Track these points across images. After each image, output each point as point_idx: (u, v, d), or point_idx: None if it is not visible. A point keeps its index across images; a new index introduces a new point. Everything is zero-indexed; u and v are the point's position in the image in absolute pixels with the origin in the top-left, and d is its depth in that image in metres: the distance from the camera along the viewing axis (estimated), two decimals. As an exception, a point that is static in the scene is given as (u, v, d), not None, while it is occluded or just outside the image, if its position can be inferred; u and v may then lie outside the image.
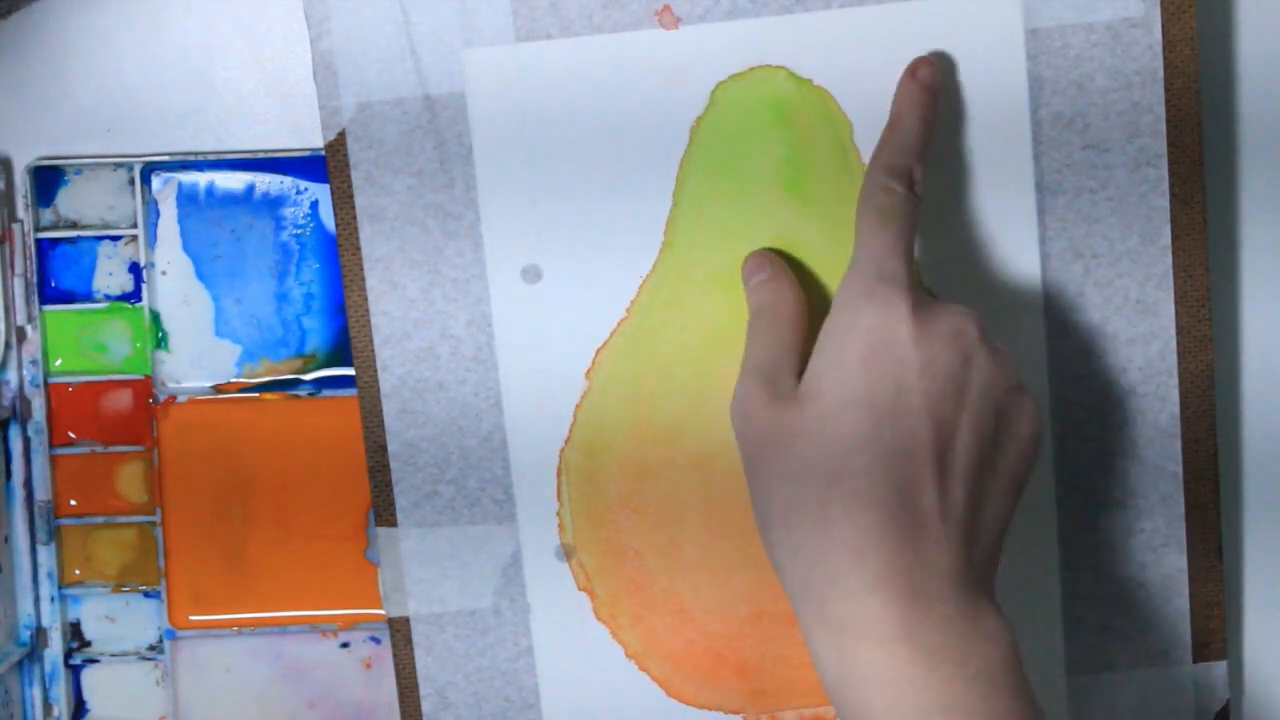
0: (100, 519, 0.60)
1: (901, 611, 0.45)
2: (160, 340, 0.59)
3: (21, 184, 0.58)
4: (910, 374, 0.47)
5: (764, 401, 0.49)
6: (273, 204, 0.58)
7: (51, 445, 0.59)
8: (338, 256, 0.56)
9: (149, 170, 0.58)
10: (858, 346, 0.48)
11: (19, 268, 0.58)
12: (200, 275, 0.58)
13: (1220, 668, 0.56)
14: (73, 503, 0.60)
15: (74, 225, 0.59)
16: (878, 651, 0.45)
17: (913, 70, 0.52)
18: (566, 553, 0.56)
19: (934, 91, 0.52)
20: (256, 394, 0.59)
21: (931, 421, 0.47)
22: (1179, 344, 0.55)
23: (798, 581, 0.47)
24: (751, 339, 0.52)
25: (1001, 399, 0.49)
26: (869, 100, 0.54)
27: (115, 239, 0.59)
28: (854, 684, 0.45)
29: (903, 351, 0.47)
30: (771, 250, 0.54)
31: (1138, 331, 0.55)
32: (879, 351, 0.47)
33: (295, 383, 0.59)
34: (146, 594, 0.60)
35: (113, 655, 0.60)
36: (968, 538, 0.47)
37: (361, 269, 0.55)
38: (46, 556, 0.59)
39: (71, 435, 0.59)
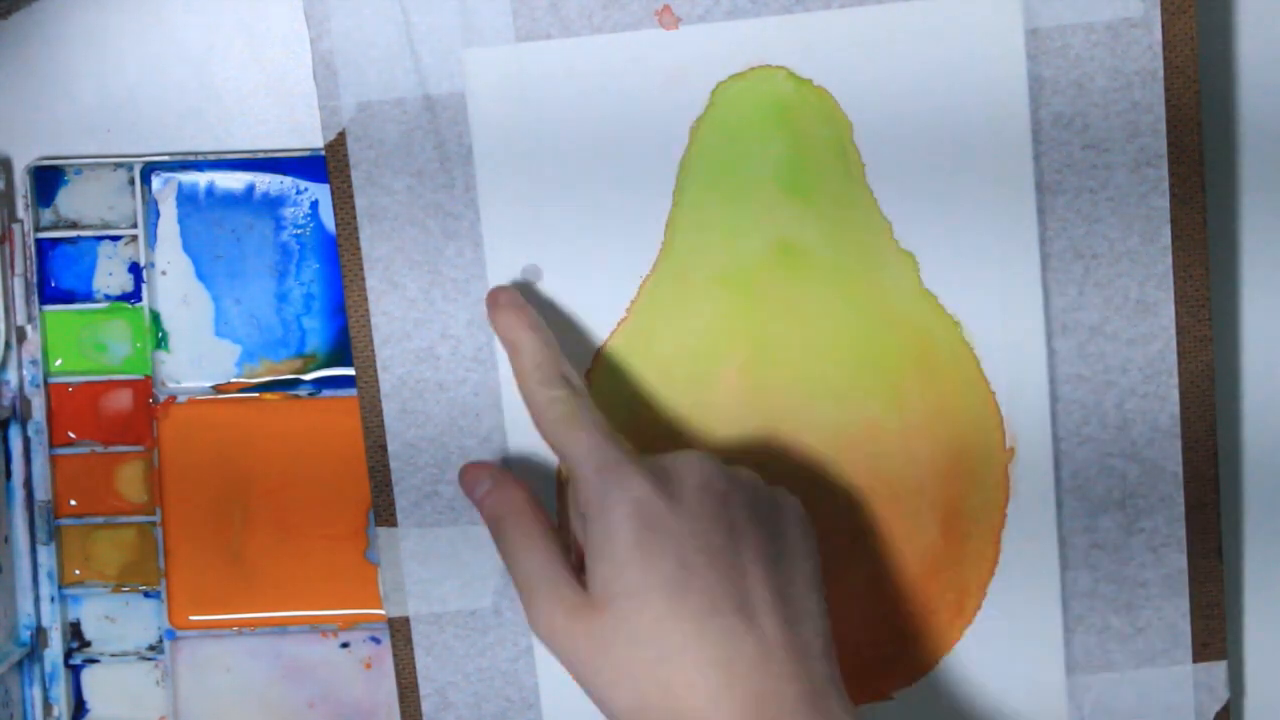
0: (100, 519, 0.60)
1: None
2: (160, 340, 0.59)
3: (21, 184, 0.58)
4: (686, 545, 0.48)
5: (562, 619, 0.49)
6: (273, 204, 0.58)
7: (51, 445, 0.59)
8: (338, 256, 0.56)
9: (149, 170, 0.58)
10: (626, 538, 0.48)
11: (19, 268, 0.58)
12: (200, 275, 0.58)
13: (1220, 668, 0.56)
14: (73, 503, 0.60)
15: (74, 225, 0.59)
16: None
17: (493, 300, 0.53)
18: (566, 553, 0.56)
19: (521, 305, 0.53)
20: (256, 394, 0.59)
21: (723, 577, 0.48)
22: (1179, 344, 0.55)
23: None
24: (509, 558, 0.51)
25: (766, 514, 0.51)
26: (869, 100, 0.54)
27: (115, 239, 0.59)
28: None
29: (668, 526, 0.48)
30: (480, 462, 0.54)
31: (1138, 331, 0.55)
32: (647, 536, 0.48)
33: (295, 383, 0.59)
34: (146, 594, 0.60)
35: (113, 655, 0.60)
36: (798, 654, 0.48)
37: (361, 269, 0.55)
38: (46, 556, 0.59)
39: (71, 435, 0.59)
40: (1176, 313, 0.55)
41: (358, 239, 0.55)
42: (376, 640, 0.60)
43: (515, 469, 0.55)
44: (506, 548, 0.51)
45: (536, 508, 0.52)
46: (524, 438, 0.55)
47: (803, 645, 0.48)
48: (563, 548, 0.51)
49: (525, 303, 0.53)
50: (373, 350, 0.55)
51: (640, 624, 0.48)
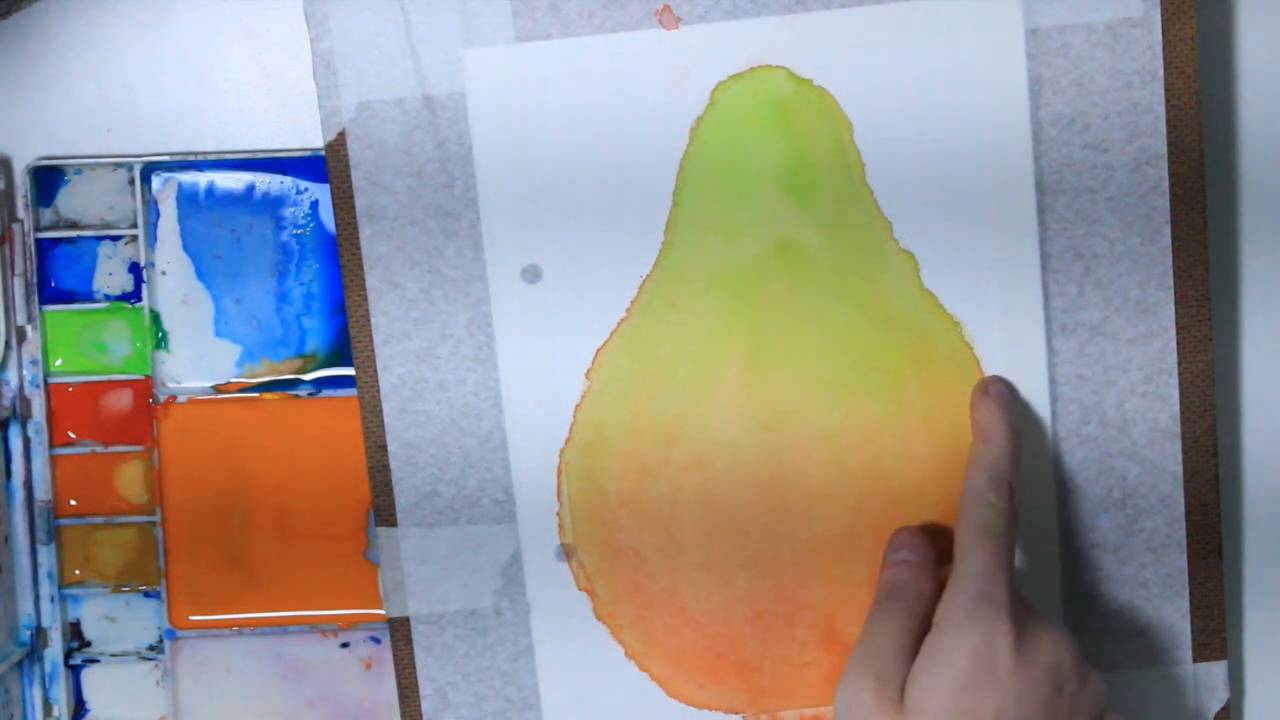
0: (100, 519, 0.60)
1: None
2: (160, 340, 0.59)
3: (21, 184, 0.58)
4: (1009, 704, 0.49)
5: (870, 703, 0.50)
6: (273, 204, 0.58)
7: (51, 445, 0.59)
8: (338, 256, 0.56)
9: (149, 170, 0.58)
10: (960, 668, 0.49)
11: (19, 268, 0.58)
12: (200, 275, 0.58)
13: (1220, 668, 0.56)
14: (73, 503, 0.60)
15: (74, 225, 0.59)
16: None
17: (984, 388, 0.54)
18: (566, 553, 0.56)
19: (1008, 402, 0.54)
20: (256, 394, 0.59)
21: None
22: (1179, 344, 0.55)
23: None
24: (875, 623, 0.52)
25: None
26: (869, 100, 0.54)
27: (115, 239, 0.59)
28: None
29: (1003, 681, 0.49)
30: (920, 530, 0.55)
31: (1138, 331, 0.55)
32: (980, 678, 0.49)
33: (295, 383, 0.59)
34: (146, 594, 0.60)
35: (113, 655, 0.60)
36: None
37: (361, 269, 0.55)
38: (46, 556, 0.59)
39: (71, 435, 0.59)
40: (1176, 313, 0.55)
41: (358, 239, 0.55)
42: (376, 640, 0.60)
43: (516, 467, 0.55)
44: (877, 618, 0.52)
45: (928, 610, 0.52)
46: (524, 437, 0.55)
47: None
48: (916, 648, 0.51)
49: (1011, 401, 0.54)
50: (373, 350, 0.55)
51: None
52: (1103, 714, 0.51)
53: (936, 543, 0.54)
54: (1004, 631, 0.49)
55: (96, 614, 0.60)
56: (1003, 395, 0.54)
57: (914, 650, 0.51)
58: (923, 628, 0.51)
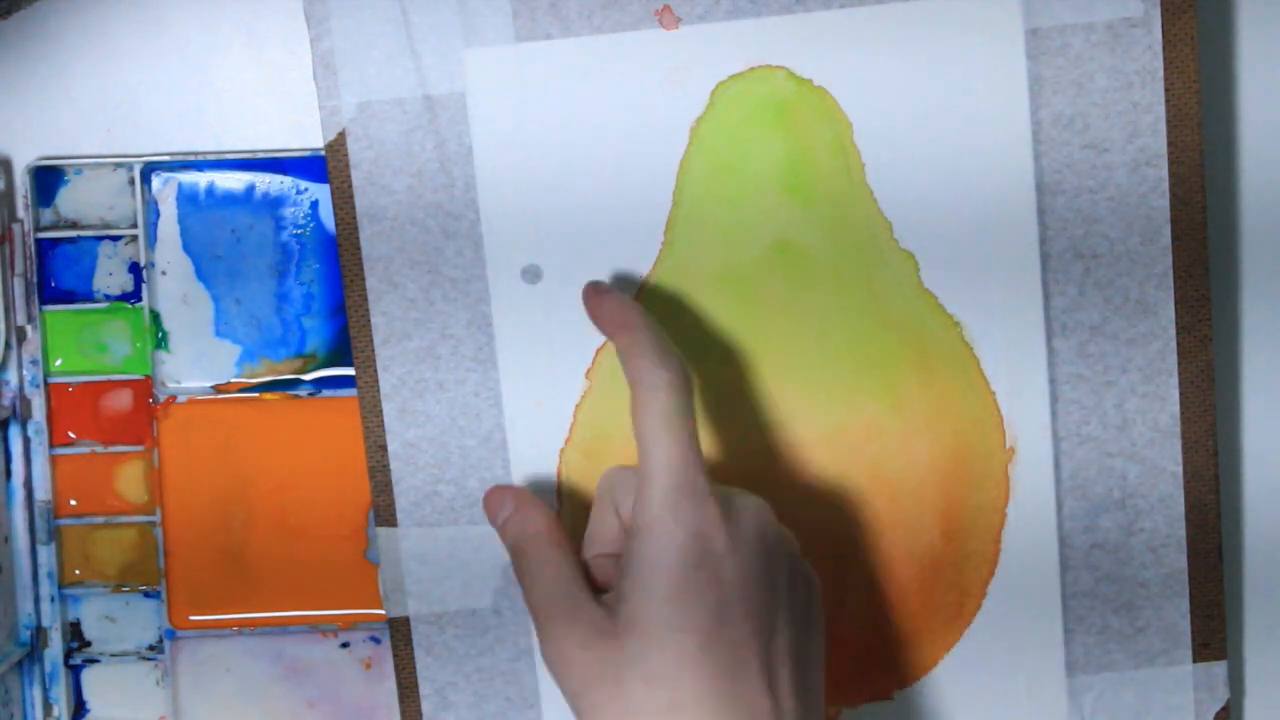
0: (100, 519, 0.60)
1: None
2: (160, 340, 0.59)
3: (21, 184, 0.58)
4: (731, 592, 0.47)
5: (579, 642, 0.47)
6: (273, 204, 0.58)
7: (51, 445, 0.59)
8: (338, 256, 0.56)
9: (149, 170, 0.58)
10: (672, 568, 0.46)
11: (19, 268, 0.58)
12: (200, 275, 0.58)
13: (1220, 668, 0.56)
14: (73, 503, 0.60)
15: (74, 225, 0.59)
16: None
17: (589, 295, 0.53)
18: (566, 553, 0.56)
19: (610, 296, 0.52)
20: (256, 394, 0.59)
21: (755, 635, 0.47)
22: (1179, 344, 0.55)
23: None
24: (527, 581, 0.49)
25: (800, 580, 0.49)
26: (869, 100, 0.54)
27: (115, 239, 0.59)
28: None
29: (719, 570, 0.47)
30: (502, 486, 0.54)
31: (1137, 331, 0.55)
32: (695, 575, 0.46)
33: (295, 383, 0.59)
34: (146, 594, 0.60)
35: (113, 655, 0.60)
36: None
37: (361, 269, 0.55)
38: (46, 556, 0.59)
39: (71, 435, 0.59)
40: (1176, 313, 0.55)
41: (358, 239, 0.55)
42: (376, 640, 0.60)
43: (516, 467, 0.55)
44: (525, 569, 0.50)
45: (559, 531, 0.51)
46: (524, 437, 0.55)
47: (805, 716, 0.47)
48: (584, 574, 0.49)
49: (607, 293, 0.52)
50: (373, 350, 0.55)
51: (661, 664, 0.46)
52: (811, 579, 0.50)
53: (933, 544, 0.55)
54: (712, 520, 0.47)
55: (96, 614, 0.60)
56: (608, 289, 0.52)
57: (579, 570, 0.49)
58: (571, 552, 0.50)
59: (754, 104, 0.54)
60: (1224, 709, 0.57)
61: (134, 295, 0.59)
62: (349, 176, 0.54)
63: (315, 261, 0.58)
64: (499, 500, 0.53)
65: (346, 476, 0.59)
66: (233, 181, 0.58)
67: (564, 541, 0.51)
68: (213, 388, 0.59)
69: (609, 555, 0.50)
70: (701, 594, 0.46)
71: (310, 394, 0.58)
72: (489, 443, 0.55)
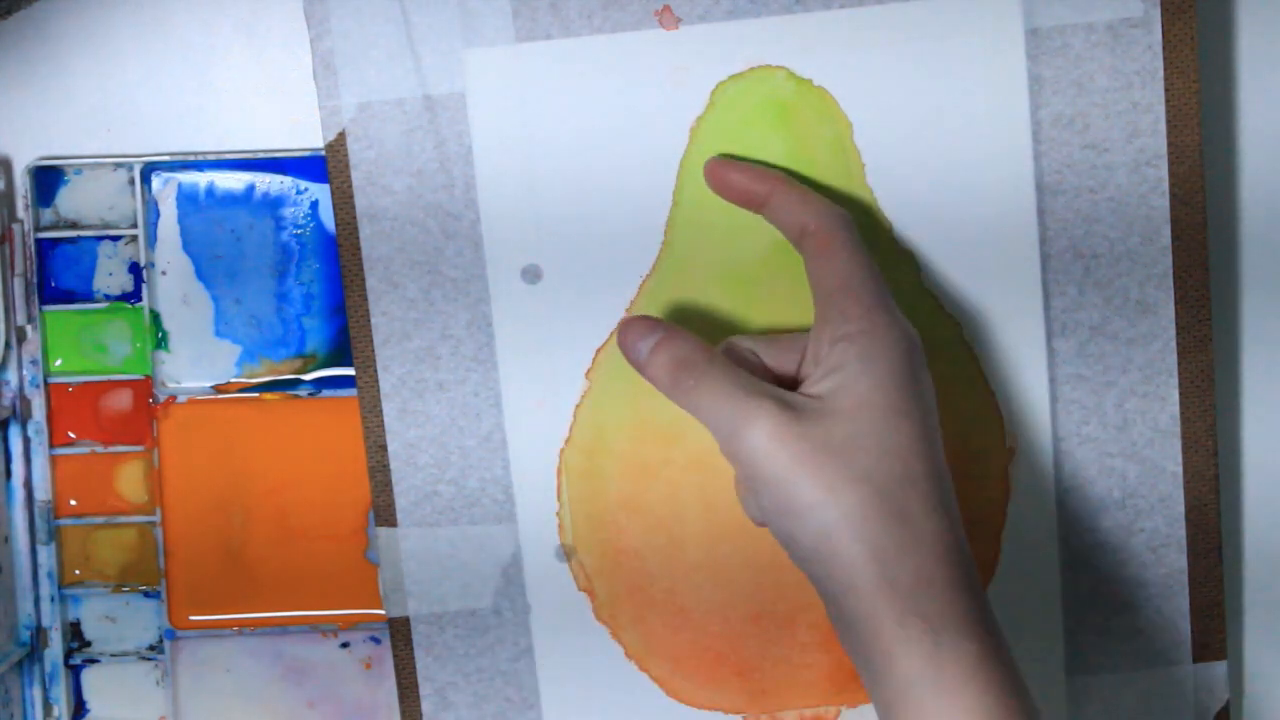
0: (100, 519, 0.60)
1: (984, 608, 0.47)
2: (160, 340, 0.59)
3: (21, 184, 0.58)
4: (928, 397, 0.49)
5: (791, 418, 0.48)
6: (273, 204, 0.58)
7: (51, 445, 0.59)
8: (338, 256, 0.56)
9: (149, 170, 0.58)
10: (891, 364, 0.48)
11: (19, 268, 0.58)
12: (200, 275, 0.58)
13: (1220, 668, 0.56)
14: (73, 503, 0.60)
15: (74, 225, 0.59)
16: (974, 645, 0.46)
17: (715, 170, 0.53)
18: (566, 553, 0.56)
19: (739, 168, 0.54)
20: (256, 394, 0.59)
21: (936, 445, 0.49)
22: (1179, 344, 0.55)
23: (878, 580, 0.46)
24: (700, 394, 0.49)
25: None
26: (869, 100, 0.54)
27: (115, 239, 0.59)
28: (949, 682, 0.46)
29: (924, 380, 0.49)
30: (642, 317, 0.52)
31: (1137, 331, 0.55)
32: (910, 376, 0.49)
33: (295, 383, 0.59)
34: (146, 594, 0.60)
35: (113, 655, 0.60)
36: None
37: (361, 269, 0.55)
38: (46, 556, 0.59)
39: (71, 435, 0.59)
40: (1176, 313, 0.55)
41: (358, 239, 0.55)
42: (376, 640, 0.60)
43: (516, 467, 0.55)
44: (697, 383, 0.49)
45: (716, 347, 0.51)
46: (524, 437, 0.55)
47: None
48: (764, 368, 0.50)
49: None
50: (373, 350, 0.55)
51: (892, 440, 0.47)
52: None
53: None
54: (914, 335, 0.49)
55: (96, 614, 0.60)
56: (731, 164, 0.53)
57: (762, 365, 0.50)
58: (743, 353, 0.51)
59: (754, 104, 0.54)
60: (1224, 709, 0.57)
61: (134, 295, 0.59)
62: (349, 176, 0.54)
63: (315, 261, 0.58)
64: (640, 331, 0.51)
65: (346, 476, 0.59)
66: (233, 181, 0.58)
67: (730, 349, 0.51)
68: (213, 388, 0.59)
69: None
70: (918, 394, 0.48)
71: (310, 394, 0.58)
72: (489, 443, 0.55)
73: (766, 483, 0.47)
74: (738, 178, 0.53)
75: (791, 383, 0.51)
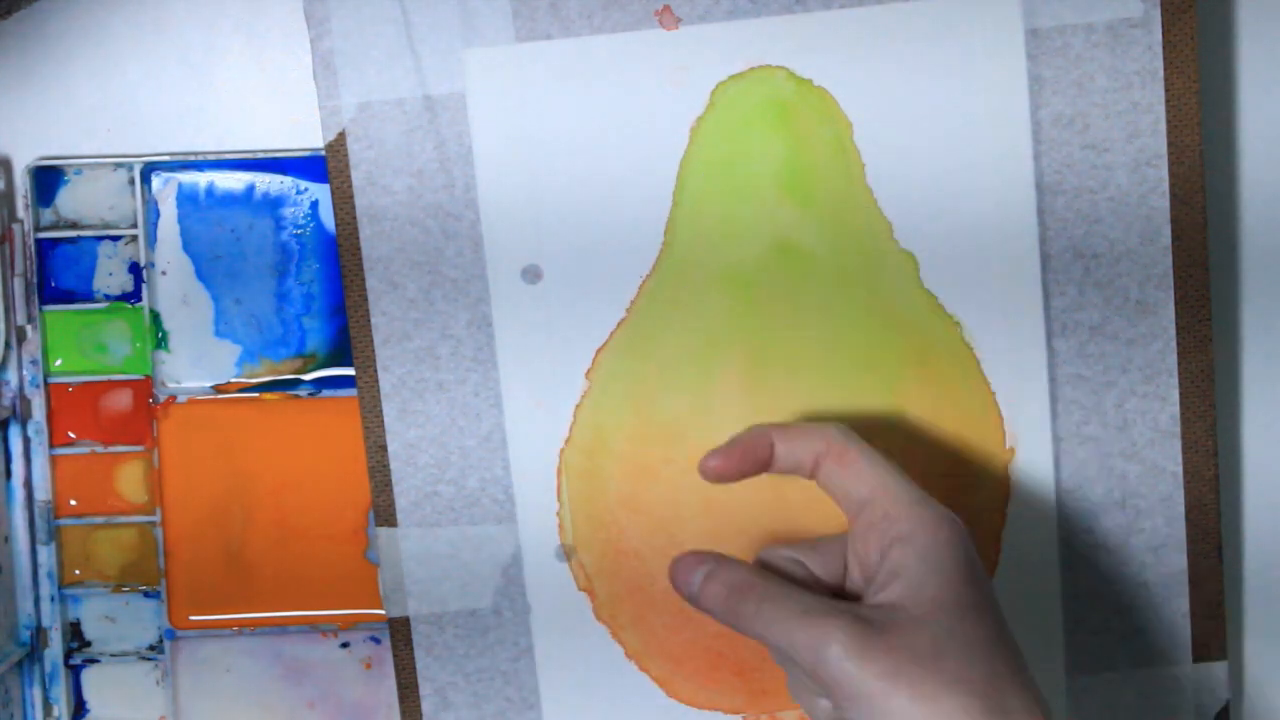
0: (100, 519, 0.60)
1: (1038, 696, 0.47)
2: (160, 340, 0.59)
3: (21, 184, 0.58)
4: (985, 578, 0.48)
5: (869, 632, 0.46)
6: (273, 204, 0.58)
7: (51, 445, 0.59)
8: (338, 256, 0.56)
9: (149, 170, 0.58)
10: (953, 557, 0.47)
11: (19, 268, 0.58)
12: (200, 275, 0.58)
13: (1220, 668, 0.56)
14: (73, 503, 0.60)
15: (74, 225, 0.59)
16: None
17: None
18: (566, 553, 0.56)
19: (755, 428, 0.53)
20: (256, 394, 0.59)
21: (1005, 626, 0.48)
22: (1179, 344, 0.55)
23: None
24: (763, 622, 0.48)
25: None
26: (869, 100, 0.54)
27: (115, 239, 0.59)
28: None
29: (977, 561, 0.48)
30: (691, 552, 0.51)
31: (1138, 332, 0.55)
32: (969, 563, 0.48)
33: (295, 383, 0.59)
34: (146, 594, 0.60)
35: (113, 655, 0.60)
36: None
37: (361, 269, 0.55)
38: (46, 556, 0.59)
39: (71, 435, 0.59)
40: (1176, 313, 0.55)
41: (358, 239, 0.55)
42: (376, 640, 0.60)
43: (516, 467, 0.55)
44: (758, 609, 0.49)
45: (766, 573, 0.50)
46: (524, 437, 0.55)
47: None
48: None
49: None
50: (373, 350, 0.55)
51: (968, 634, 0.46)
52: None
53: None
54: (954, 516, 0.48)
55: (96, 614, 0.60)
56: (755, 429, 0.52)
57: (821, 600, 0.49)
58: (791, 585, 0.49)
59: (754, 104, 0.54)
60: (1224, 709, 0.57)
61: (134, 295, 0.59)
62: (349, 177, 0.54)
63: (315, 261, 0.58)
64: (693, 561, 0.51)
65: (346, 476, 0.59)
66: (233, 181, 0.58)
67: (775, 577, 0.50)
68: (213, 388, 0.59)
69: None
70: (979, 570, 0.48)
71: (310, 394, 0.58)
72: (489, 443, 0.55)
73: (858, 700, 0.46)
74: (723, 463, 0.52)
75: (840, 590, 0.50)
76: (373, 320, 0.55)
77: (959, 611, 0.47)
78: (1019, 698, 0.46)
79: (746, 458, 0.51)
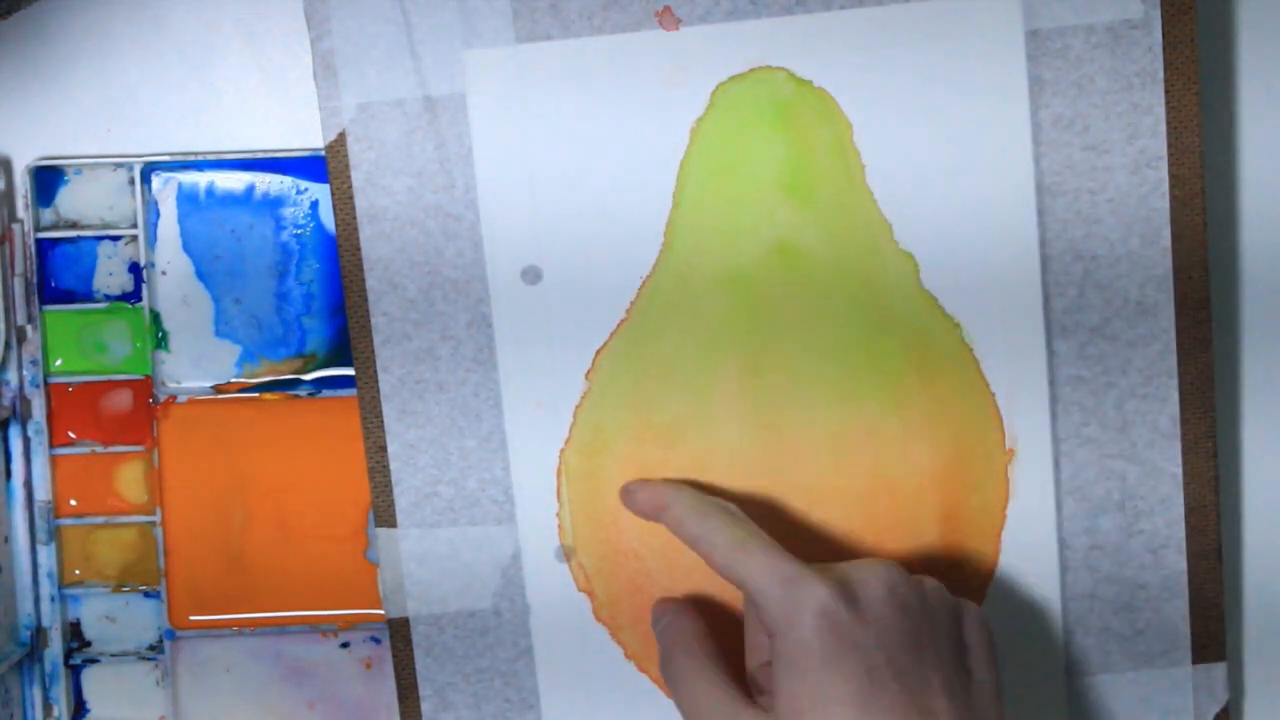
0: (100, 519, 0.60)
1: None
2: (160, 340, 0.59)
3: (21, 184, 0.58)
4: (873, 656, 0.48)
5: None
6: (273, 204, 0.58)
7: (51, 445, 0.59)
8: (338, 256, 0.56)
9: (149, 170, 0.58)
10: (815, 649, 0.47)
11: (19, 268, 0.58)
12: (200, 275, 0.58)
13: (1220, 669, 0.56)
14: (73, 503, 0.60)
15: (74, 225, 0.59)
16: None
17: (628, 491, 0.55)
18: (566, 554, 0.56)
19: (639, 489, 0.55)
20: (256, 394, 0.59)
21: (908, 689, 0.47)
22: (1179, 345, 0.55)
23: None
24: (678, 686, 0.51)
25: (949, 625, 0.50)
26: (869, 101, 0.54)
27: (115, 239, 0.59)
28: None
29: (855, 637, 0.48)
30: (668, 597, 0.56)
31: (1138, 332, 0.55)
32: (835, 647, 0.47)
33: (295, 383, 0.59)
34: (146, 594, 0.60)
35: (113, 655, 0.60)
36: None
37: (361, 269, 0.55)
38: (46, 556, 0.59)
39: (71, 435, 0.59)
40: (1176, 314, 0.55)
41: (358, 239, 0.55)
42: (376, 640, 0.60)
43: (515, 468, 0.55)
44: (677, 675, 0.51)
45: (709, 641, 0.52)
46: (524, 437, 0.55)
47: None
48: (735, 678, 0.51)
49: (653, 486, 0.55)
50: (373, 350, 0.55)
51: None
52: (958, 608, 0.51)
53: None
54: (831, 596, 0.48)
55: (96, 614, 0.60)
56: (645, 481, 0.55)
57: (734, 688, 0.50)
58: (720, 665, 0.51)
59: (754, 105, 0.54)
60: (1224, 710, 0.57)
61: (134, 295, 0.59)
62: (349, 177, 0.54)
63: (315, 261, 0.58)
64: (660, 610, 0.55)
65: (346, 476, 0.59)
66: (233, 181, 0.58)
67: (716, 650, 0.52)
68: (213, 388, 0.59)
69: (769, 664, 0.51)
70: (845, 663, 0.47)
71: (310, 394, 0.59)
72: (489, 443, 0.55)
73: None
74: (631, 504, 0.55)
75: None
76: (372, 320, 0.55)
77: (818, 703, 0.47)
78: None
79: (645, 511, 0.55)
